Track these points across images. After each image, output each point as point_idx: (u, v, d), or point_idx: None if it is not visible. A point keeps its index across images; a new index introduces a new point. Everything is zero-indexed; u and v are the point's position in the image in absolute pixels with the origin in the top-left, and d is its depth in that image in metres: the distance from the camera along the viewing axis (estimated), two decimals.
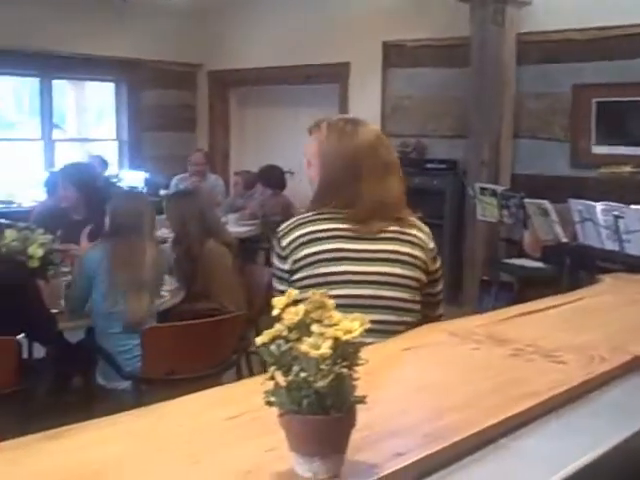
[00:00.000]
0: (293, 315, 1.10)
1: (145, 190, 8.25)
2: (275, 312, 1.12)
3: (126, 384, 3.37)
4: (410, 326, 2.03)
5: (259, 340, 1.10)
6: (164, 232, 4.98)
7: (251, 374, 3.94)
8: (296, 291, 1.15)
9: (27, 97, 9.73)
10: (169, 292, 3.90)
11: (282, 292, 2.20)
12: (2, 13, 7.27)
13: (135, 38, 8.32)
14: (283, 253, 2.11)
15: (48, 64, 7.97)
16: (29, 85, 9.28)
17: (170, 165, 8.32)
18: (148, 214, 3.64)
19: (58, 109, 8.61)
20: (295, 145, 8.43)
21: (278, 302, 1.12)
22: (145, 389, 3.28)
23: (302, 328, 1.09)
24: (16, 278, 3.22)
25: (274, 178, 6.78)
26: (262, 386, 1.46)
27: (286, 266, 2.10)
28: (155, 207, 6.35)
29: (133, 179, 8.35)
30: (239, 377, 3.64)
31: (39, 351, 3.42)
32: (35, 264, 3.64)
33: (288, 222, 2.16)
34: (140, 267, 3.45)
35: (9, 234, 3.70)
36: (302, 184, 8.10)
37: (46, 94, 8.38)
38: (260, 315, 4.15)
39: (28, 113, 9.71)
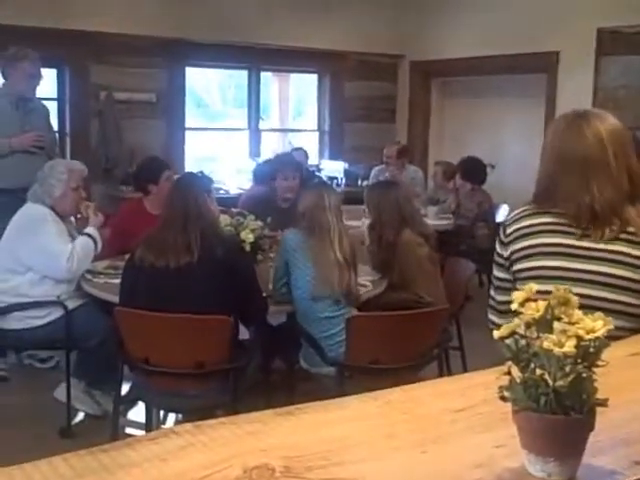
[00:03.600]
0: (533, 310, 1.07)
1: (344, 180, 8.43)
2: (514, 306, 1.10)
3: (328, 369, 3.44)
4: (632, 332, 1.92)
5: (497, 334, 1.09)
6: (363, 222, 5.07)
7: (449, 370, 3.91)
8: (536, 286, 1.12)
9: (231, 89, 10.22)
10: (371, 282, 3.94)
11: (498, 279, 2.20)
12: (216, 10, 7.67)
13: (339, 30, 8.47)
14: (506, 240, 2.13)
15: (256, 56, 8.30)
16: (234, 77, 9.74)
17: (369, 156, 8.42)
18: (333, 202, 3.70)
19: (263, 100, 8.95)
20: (498, 138, 8.33)
21: (518, 296, 1.10)
22: (347, 376, 3.34)
23: (542, 324, 1.06)
24: (237, 259, 3.38)
25: (474, 171, 6.65)
26: (483, 381, 1.44)
27: (506, 253, 2.12)
28: (351, 196, 6.50)
29: (333, 169, 8.53)
30: (440, 372, 3.61)
31: (242, 333, 3.57)
32: (246, 248, 3.82)
33: (516, 211, 2.16)
34: (337, 249, 3.53)
35: (223, 219, 3.91)
36: (503, 178, 7.95)
37: (254, 85, 8.74)
38: (461, 309, 4.11)
39: (232, 104, 10.20)
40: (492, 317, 2.21)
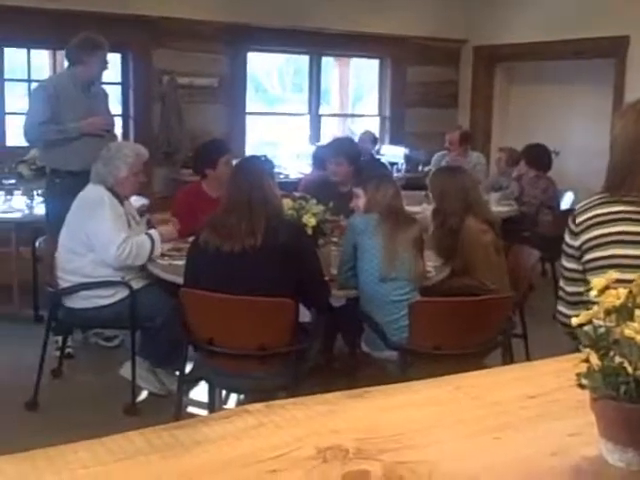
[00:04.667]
0: (614, 298, 1.05)
1: (404, 166, 8.38)
2: (593, 294, 1.08)
3: (390, 354, 3.44)
4: None
5: (575, 321, 1.07)
6: (424, 208, 5.04)
7: (512, 359, 3.86)
8: (615, 274, 1.10)
9: (290, 74, 10.23)
10: (434, 268, 3.92)
11: (568, 269, 2.18)
12: None
13: (402, 15, 8.40)
14: (576, 229, 2.10)
15: (318, 41, 8.28)
16: (293, 62, 9.74)
17: (431, 141, 8.34)
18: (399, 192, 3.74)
19: (323, 85, 8.94)
20: (563, 124, 8.17)
21: (597, 284, 1.08)
22: (410, 361, 3.33)
23: (623, 312, 1.04)
24: (300, 243, 3.40)
25: (539, 158, 6.53)
26: (555, 368, 1.42)
27: (576, 243, 2.09)
28: (411, 182, 6.46)
29: (393, 155, 8.49)
30: (504, 359, 3.58)
31: (302, 316, 3.58)
32: (308, 232, 3.83)
33: (586, 201, 2.14)
34: (406, 234, 3.53)
35: (285, 203, 3.93)
36: (568, 165, 7.81)
37: (315, 70, 8.73)
38: (525, 297, 4.06)
39: (291, 89, 10.21)
40: (562, 308, 2.18)
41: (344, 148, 5.07)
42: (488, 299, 3.43)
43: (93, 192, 4.07)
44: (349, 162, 4.86)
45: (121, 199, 4.13)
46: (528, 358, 3.82)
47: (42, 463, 1.02)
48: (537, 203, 6.33)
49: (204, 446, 1.09)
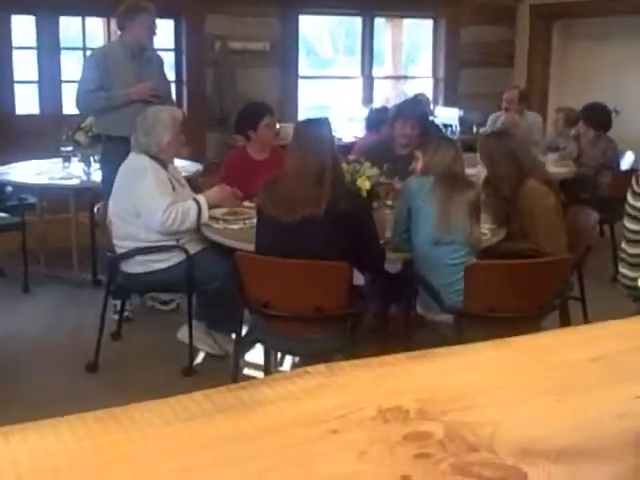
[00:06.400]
0: None
1: (458, 128, 8.26)
2: None
3: (446, 317, 3.43)
4: None
5: None
6: (479, 170, 4.96)
7: (568, 321, 3.81)
8: None
9: (341, 36, 10.12)
10: (489, 230, 3.87)
11: (631, 231, 2.13)
12: None
13: None
14: (639, 189, 2.03)
15: (371, 2, 8.18)
16: (344, 24, 9.63)
17: (485, 102, 8.20)
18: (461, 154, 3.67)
19: (375, 47, 8.84)
20: (623, 83, 7.95)
21: None
22: (465, 324, 3.32)
23: None
24: (359, 209, 3.38)
25: (599, 117, 6.36)
26: (616, 330, 1.40)
27: (639, 203, 2.03)
28: (466, 144, 6.36)
29: (447, 116, 8.37)
30: (562, 322, 3.53)
31: (356, 279, 3.57)
32: (363, 195, 3.82)
33: None
34: (463, 197, 3.49)
35: None
36: (628, 124, 7.63)
37: (367, 32, 8.63)
38: (583, 259, 3.99)
39: (343, 52, 10.11)
40: (624, 270, 2.14)
41: (415, 110, 5.01)
42: (545, 261, 3.38)
43: (135, 162, 4.08)
44: (419, 124, 4.80)
45: (165, 164, 4.15)
46: (586, 321, 3.77)
47: (109, 422, 1.04)
48: (596, 164, 6.19)
49: (266, 407, 1.10)
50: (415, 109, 5.04)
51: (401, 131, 4.82)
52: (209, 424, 1.06)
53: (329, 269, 3.18)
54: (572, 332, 1.56)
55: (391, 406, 1.10)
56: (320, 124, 3.58)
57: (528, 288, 3.23)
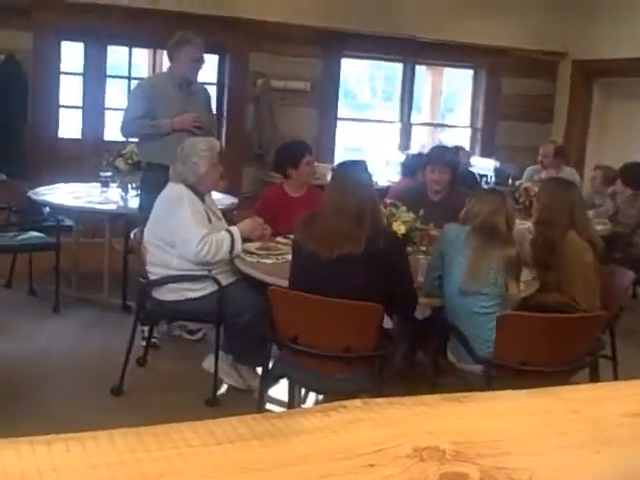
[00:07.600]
0: None
1: (494, 179, 8.26)
2: None
3: (475, 367, 3.39)
4: None
5: None
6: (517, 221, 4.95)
7: (598, 379, 3.76)
8: None
9: (380, 81, 10.23)
10: (524, 283, 3.84)
11: None
12: (375, 1, 7.69)
13: (499, 25, 8.31)
14: None
15: (413, 49, 8.26)
16: (383, 69, 9.73)
17: (522, 155, 8.22)
18: (510, 210, 3.63)
19: (414, 93, 8.92)
20: None
21: None
22: (495, 375, 3.28)
23: None
24: (397, 252, 3.39)
25: (636, 177, 6.35)
26: None
27: None
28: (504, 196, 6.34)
29: (483, 167, 8.38)
30: (592, 380, 3.49)
31: (385, 323, 3.56)
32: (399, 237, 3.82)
33: None
34: (496, 252, 3.45)
35: None
36: None
37: (408, 78, 8.71)
38: (616, 318, 3.95)
39: (381, 96, 10.22)
40: None
41: (444, 156, 5.04)
42: (579, 317, 3.35)
43: (173, 191, 4.12)
44: (449, 170, 4.83)
45: (202, 195, 4.19)
46: (616, 379, 3.71)
47: (148, 439, 1.05)
48: (632, 223, 6.16)
49: (302, 436, 1.10)
50: (444, 155, 5.07)
51: (430, 176, 4.85)
52: (246, 449, 1.06)
53: (362, 309, 3.18)
54: (611, 386, 1.55)
55: (427, 445, 1.09)
56: (360, 165, 3.65)
57: (561, 343, 3.19)
